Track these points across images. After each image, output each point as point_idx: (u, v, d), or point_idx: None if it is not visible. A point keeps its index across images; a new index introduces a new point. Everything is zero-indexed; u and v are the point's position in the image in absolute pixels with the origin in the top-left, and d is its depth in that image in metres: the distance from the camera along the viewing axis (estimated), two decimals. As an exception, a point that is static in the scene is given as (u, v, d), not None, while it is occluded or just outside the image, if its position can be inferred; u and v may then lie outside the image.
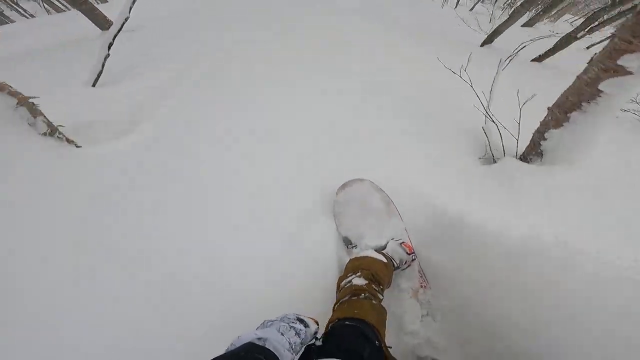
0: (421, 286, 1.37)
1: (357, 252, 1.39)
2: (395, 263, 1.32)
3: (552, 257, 1.03)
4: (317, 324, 0.93)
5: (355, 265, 1.19)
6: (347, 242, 1.49)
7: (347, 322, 0.92)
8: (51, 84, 2.25)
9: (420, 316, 1.30)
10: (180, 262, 1.31)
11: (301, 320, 0.86)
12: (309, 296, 1.29)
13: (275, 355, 0.66)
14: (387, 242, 1.39)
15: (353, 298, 1.04)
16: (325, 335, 0.90)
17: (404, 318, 1.29)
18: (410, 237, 1.43)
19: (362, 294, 1.04)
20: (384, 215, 1.45)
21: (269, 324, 0.83)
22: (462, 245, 1.31)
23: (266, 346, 0.67)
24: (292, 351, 0.73)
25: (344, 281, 1.14)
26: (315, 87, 2.38)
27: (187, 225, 1.44)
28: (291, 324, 0.81)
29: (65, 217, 1.35)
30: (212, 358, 0.62)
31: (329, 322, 0.98)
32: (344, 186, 1.53)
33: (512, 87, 1.87)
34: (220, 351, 0.68)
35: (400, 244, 1.36)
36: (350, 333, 0.89)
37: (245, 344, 0.68)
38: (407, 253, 1.34)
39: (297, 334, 0.79)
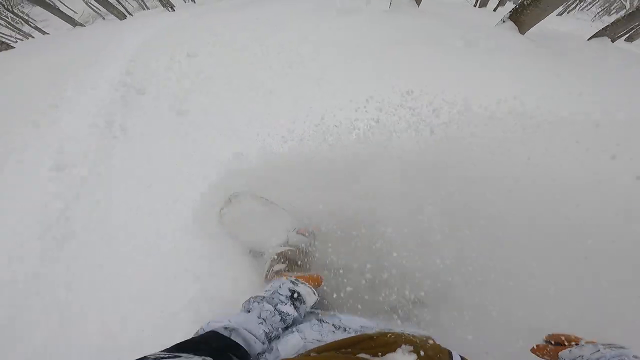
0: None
1: (268, 257, 1.52)
2: (303, 249, 1.46)
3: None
4: (316, 294, 0.93)
5: (273, 259, 1.34)
6: (255, 253, 1.58)
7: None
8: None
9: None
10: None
11: (295, 298, 0.84)
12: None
13: (241, 346, 0.62)
14: (287, 236, 1.52)
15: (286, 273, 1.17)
16: None
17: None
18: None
19: (285, 270, 1.21)
20: (271, 216, 1.55)
21: (254, 305, 0.78)
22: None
23: (232, 337, 0.63)
24: (266, 340, 0.70)
25: (269, 274, 1.28)
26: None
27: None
28: (278, 308, 0.78)
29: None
30: (175, 344, 0.57)
31: None
32: (223, 208, 1.58)
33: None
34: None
35: (296, 232, 1.50)
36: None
37: (209, 332, 0.64)
38: (305, 237, 1.48)
39: (283, 319, 0.77)
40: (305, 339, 0.66)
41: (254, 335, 0.66)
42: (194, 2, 11.67)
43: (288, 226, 1.56)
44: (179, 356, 0.50)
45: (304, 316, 0.81)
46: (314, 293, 0.92)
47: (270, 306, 0.77)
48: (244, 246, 1.59)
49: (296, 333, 0.69)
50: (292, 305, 0.81)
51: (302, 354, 0.61)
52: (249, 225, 1.57)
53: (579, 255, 1.13)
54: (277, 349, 0.65)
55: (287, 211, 1.61)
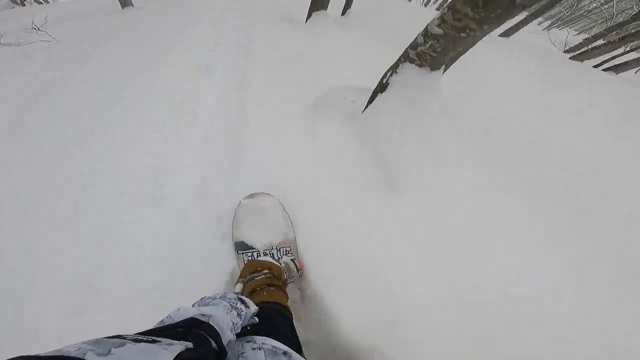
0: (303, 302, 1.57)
1: (252, 258, 1.52)
2: (286, 274, 1.49)
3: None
4: (256, 306, 0.94)
5: (264, 265, 1.25)
6: (240, 247, 1.55)
7: (272, 305, 0.99)
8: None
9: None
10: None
11: (242, 301, 0.85)
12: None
13: (219, 333, 0.61)
14: (281, 256, 1.56)
15: (270, 288, 1.10)
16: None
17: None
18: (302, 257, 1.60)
19: (278, 288, 1.14)
20: (282, 231, 1.59)
21: (208, 300, 0.79)
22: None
23: (210, 323, 0.61)
24: (233, 331, 0.70)
25: (254, 275, 1.19)
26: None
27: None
28: (232, 304, 0.79)
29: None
30: (143, 331, 0.53)
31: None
32: (252, 196, 1.60)
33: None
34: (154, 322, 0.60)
35: (292, 259, 1.54)
36: (279, 314, 0.96)
37: (186, 319, 0.60)
38: (296, 269, 1.53)
39: (239, 314, 0.77)
40: None
41: (226, 323, 0.67)
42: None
43: (288, 250, 1.57)
44: (158, 341, 0.46)
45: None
46: (254, 304, 0.94)
47: (227, 303, 0.78)
48: (237, 234, 1.56)
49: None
50: (242, 304, 0.84)
51: None
52: (256, 221, 1.57)
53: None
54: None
55: (297, 241, 1.59)
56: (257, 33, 3.69)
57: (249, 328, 0.85)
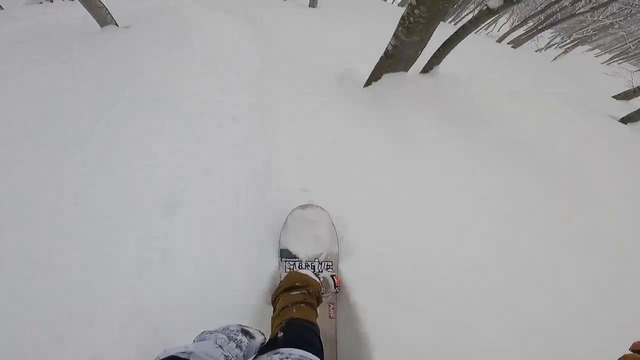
0: (329, 316, 1.55)
1: (294, 267, 1.52)
2: (322, 289, 1.49)
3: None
4: (264, 335, 0.96)
5: (303, 280, 1.23)
6: (284, 254, 1.55)
7: (300, 320, 0.98)
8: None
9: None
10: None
11: (245, 332, 0.88)
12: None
13: None
14: (322, 270, 1.57)
15: (301, 305, 1.09)
16: (282, 329, 0.91)
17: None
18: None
19: (309, 306, 1.12)
20: (327, 245, 1.62)
21: (207, 335, 0.82)
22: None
23: (190, 359, 0.64)
24: None
25: (291, 290, 1.18)
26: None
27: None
28: (232, 336, 0.81)
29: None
30: None
31: (282, 320, 1.00)
32: (304, 207, 1.65)
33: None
34: None
35: (332, 275, 1.56)
36: (306, 329, 0.96)
37: (166, 357, 0.64)
38: (335, 286, 1.53)
39: (239, 346, 0.80)
40: None
41: (213, 357, 0.69)
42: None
43: (329, 265, 1.58)
44: None
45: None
46: (262, 334, 0.99)
47: (224, 335, 0.81)
48: (283, 241, 1.56)
49: None
50: (244, 336, 0.87)
51: None
52: (304, 232, 1.60)
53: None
54: None
55: (339, 259, 1.58)
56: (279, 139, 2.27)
57: (279, 338, 0.85)
